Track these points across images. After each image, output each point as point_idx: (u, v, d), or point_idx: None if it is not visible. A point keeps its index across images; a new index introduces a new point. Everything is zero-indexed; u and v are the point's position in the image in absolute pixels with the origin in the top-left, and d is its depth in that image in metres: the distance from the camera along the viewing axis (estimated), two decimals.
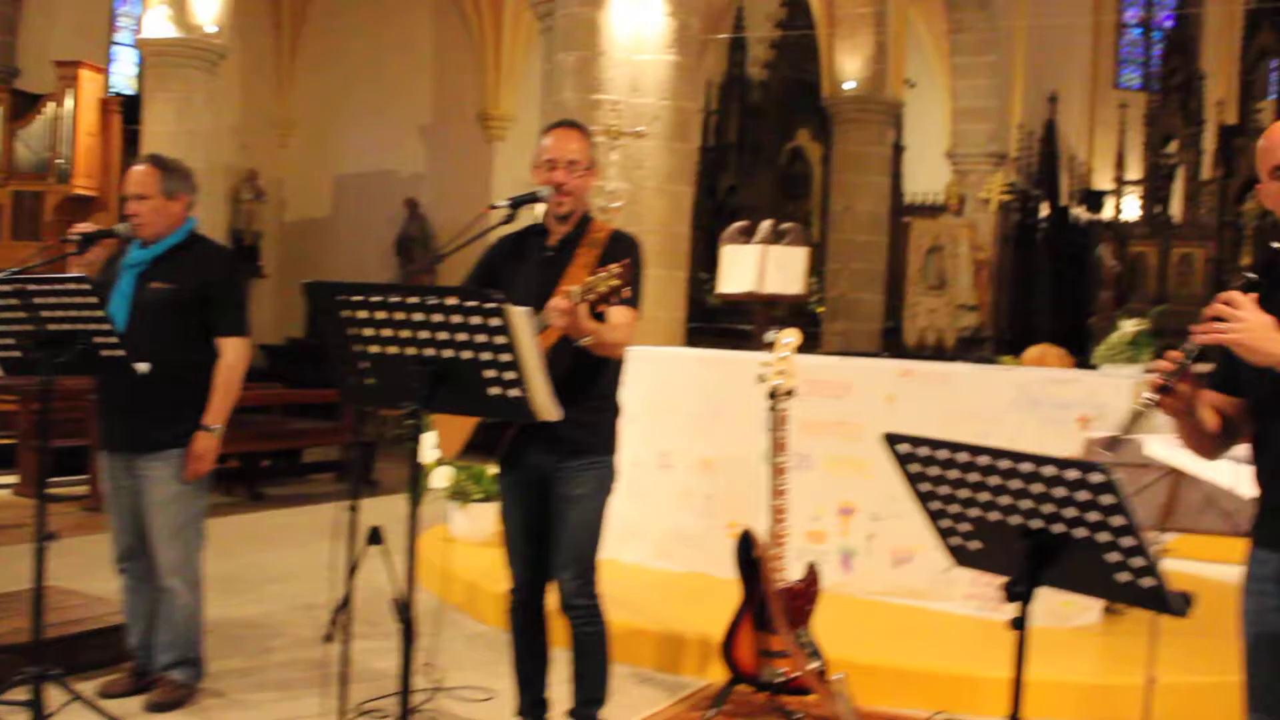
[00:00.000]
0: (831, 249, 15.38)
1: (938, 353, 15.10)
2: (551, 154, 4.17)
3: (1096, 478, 2.41)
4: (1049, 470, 2.48)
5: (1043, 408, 5.89)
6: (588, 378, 4.13)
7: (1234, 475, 3.64)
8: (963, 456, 2.64)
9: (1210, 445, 2.95)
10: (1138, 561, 2.49)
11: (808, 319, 16.82)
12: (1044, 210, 18.13)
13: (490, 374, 3.26)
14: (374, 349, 3.34)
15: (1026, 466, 2.53)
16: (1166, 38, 18.12)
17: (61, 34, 14.76)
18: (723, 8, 18.47)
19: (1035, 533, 2.60)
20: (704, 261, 15.05)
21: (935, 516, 2.83)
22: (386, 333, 3.30)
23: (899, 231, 16.08)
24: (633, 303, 4.10)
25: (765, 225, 10.35)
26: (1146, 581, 2.51)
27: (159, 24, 12.58)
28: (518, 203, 4.11)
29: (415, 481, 3.41)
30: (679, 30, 10.36)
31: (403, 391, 3.31)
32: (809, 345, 14.71)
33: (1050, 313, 17.45)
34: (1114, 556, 2.51)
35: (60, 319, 4.13)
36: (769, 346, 5.13)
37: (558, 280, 4.11)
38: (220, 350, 4.69)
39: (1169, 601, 2.51)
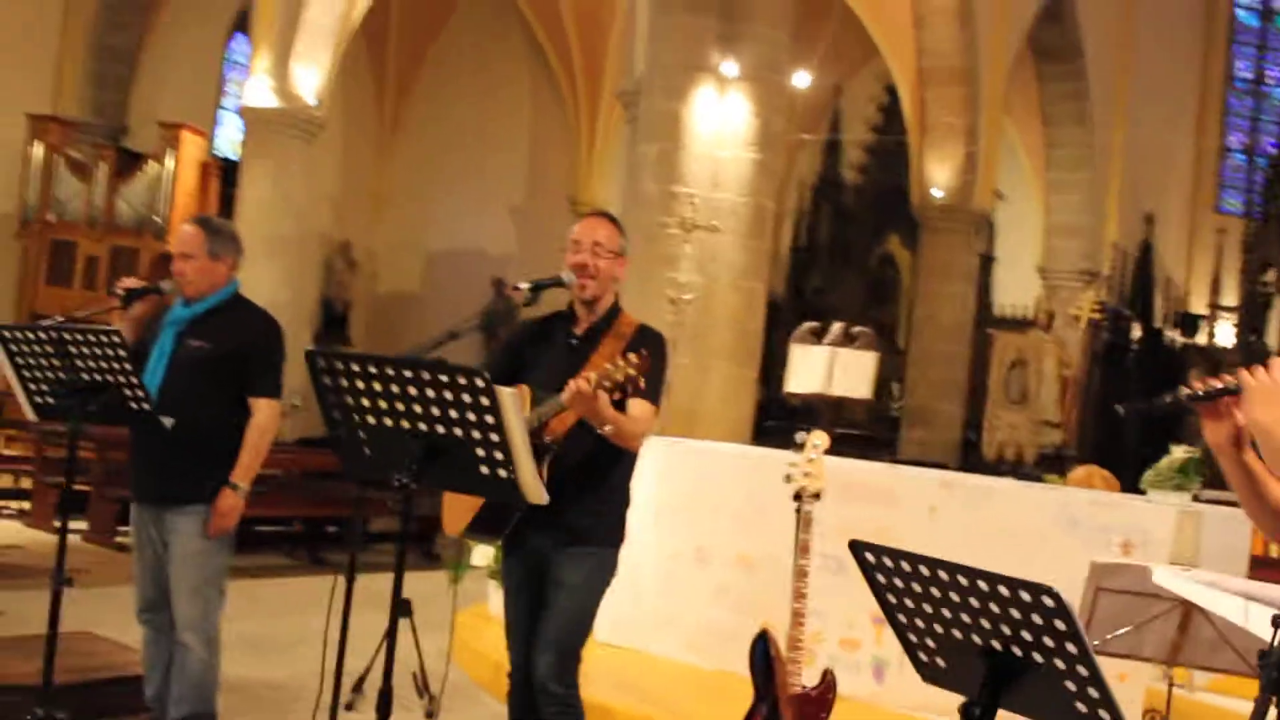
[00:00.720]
0: (912, 357, 15.30)
1: (1015, 468, 14.88)
2: (577, 236, 4.22)
3: (1049, 601, 2.36)
4: (1003, 590, 2.43)
5: (1083, 529, 5.77)
6: (601, 466, 4.13)
7: (1244, 612, 3.54)
8: (924, 570, 2.60)
9: (1263, 512, 2.80)
10: (1093, 692, 2.42)
11: (888, 425, 16.72)
12: (1136, 331, 17.88)
13: (481, 452, 3.28)
14: (371, 420, 3.39)
15: (983, 584, 2.48)
16: (1271, 165, 17.89)
17: (171, 97, 15.27)
18: (820, 109, 18.65)
19: (995, 653, 2.55)
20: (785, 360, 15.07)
21: (902, 630, 2.78)
22: (383, 404, 3.34)
23: (983, 343, 15.96)
24: (652, 398, 4.11)
25: (837, 327, 10.36)
26: (1104, 714, 2.44)
27: (261, 93, 12.97)
28: (539, 286, 4.15)
29: (401, 554, 3.42)
30: (762, 129, 10.48)
31: (397, 464, 3.34)
32: (889, 452, 14.66)
33: (1138, 436, 17.15)
34: (1070, 685, 2.45)
35: (92, 369, 4.24)
36: (798, 447, 5.09)
37: (581, 367, 4.14)
38: (252, 410, 4.77)
39: None
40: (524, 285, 4.15)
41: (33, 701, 4.32)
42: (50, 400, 4.37)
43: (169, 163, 13.31)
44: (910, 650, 2.80)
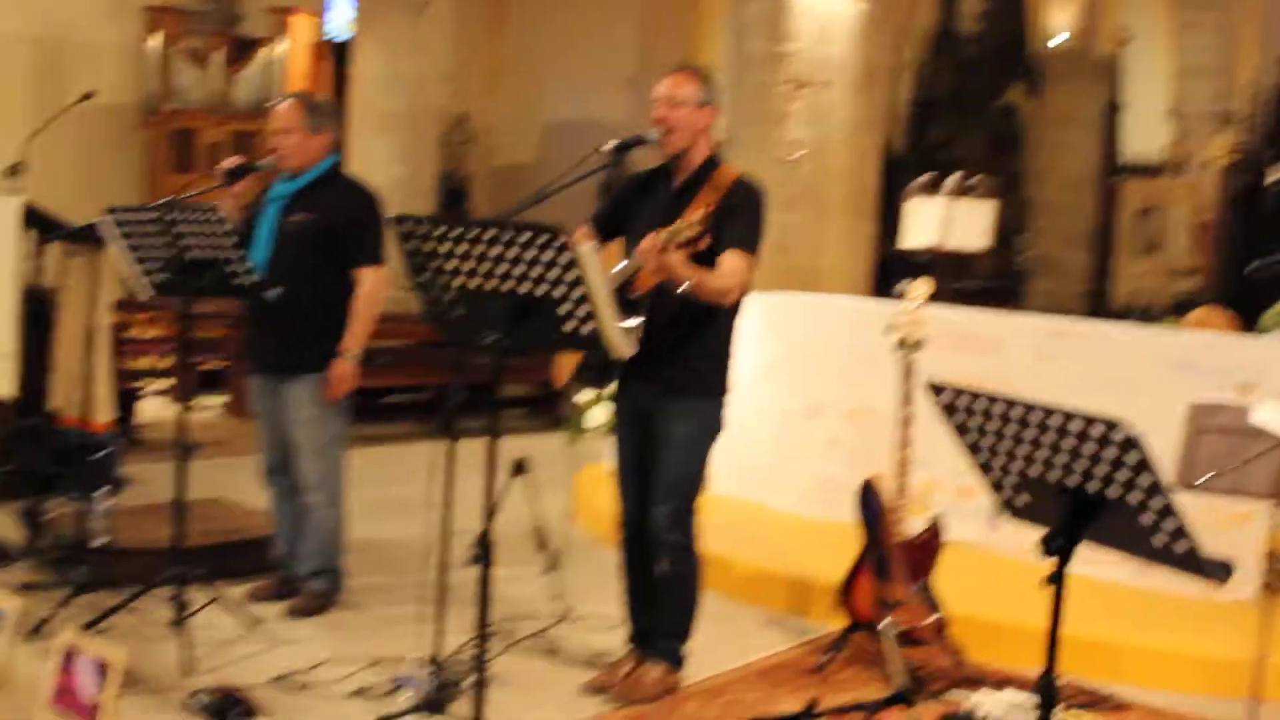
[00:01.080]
0: (1037, 207, 14.96)
1: (1144, 317, 14.55)
2: (657, 94, 4.24)
3: (1119, 435, 2.37)
4: (1075, 425, 2.45)
5: (1199, 372, 5.66)
6: (698, 320, 4.17)
7: None
8: (999, 408, 2.62)
9: None
10: (1170, 524, 2.43)
11: (1015, 278, 16.42)
12: (1275, 173, 17.20)
13: (565, 308, 3.35)
14: (459, 282, 3.46)
15: (1056, 420, 2.50)
16: None
17: None
18: None
19: (1073, 489, 2.56)
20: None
21: (983, 468, 2.81)
22: (469, 266, 3.42)
23: (1109, 191, 15.51)
24: (747, 248, 4.13)
25: (953, 178, 10.17)
26: (1181, 546, 2.45)
27: None
28: (623, 146, 4.18)
29: (495, 415, 3.52)
30: None
31: (486, 325, 3.42)
32: (1014, 305, 14.43)
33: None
34: (1147, 518, 2.46)
35: (198, 246, 4.39)
36: (899, 297, 5.08)
37: (670, 220, 4.17)
38: (358, 280, 4.90)
39: (1205, 568, 2.45)
40: (607, 146, 4.19)
41: (167, 563, 4.55)
42: (162, 278, 4.54)
43: (281, 46, 13.44)
44: (993, 488, 2.83)
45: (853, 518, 4.97)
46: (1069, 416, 2.44)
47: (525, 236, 3.29)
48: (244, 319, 5.11)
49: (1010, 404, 2.57)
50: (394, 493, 7.14)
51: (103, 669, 4.05)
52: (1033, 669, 4.73)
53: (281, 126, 4.94)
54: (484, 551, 3.59)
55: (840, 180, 10.31)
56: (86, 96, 5.80)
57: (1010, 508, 2.82)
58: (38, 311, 5.39)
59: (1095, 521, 2.55)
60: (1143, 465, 2.36)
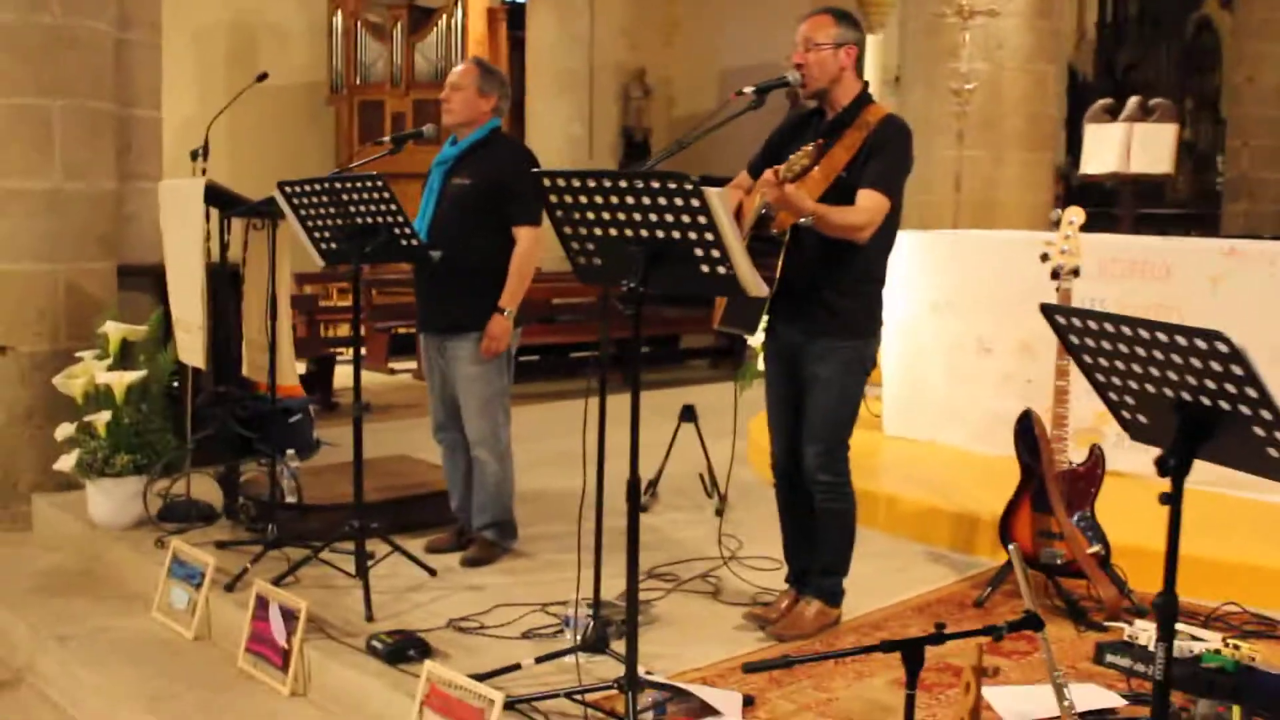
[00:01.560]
0: (1232, 126, 14.36)
1: None
2: (796, 38, 4.28)
3: (1222, 347, 2.36)
4: (1181, 339, 2.44)
5: None
6: (839, 258, 4.20)
7: None
8: (1109, 326, 2.62)
9: None
10: None
11: (1214, 200, 15.83)
12: None
13: (699, 253, 3.44)
14: (598, 231, 3.59)
15: (1161, 336, 2.49)
16: None
17: None
18: None
19: (1186, 405, 2.56)
20: None
21: (1103, 389, 2.81)
22: (606, 216, 3.53)
23: None
24: (883, 188, 4.15)
25: (1132, 101, 9.87)
26: None
27: None
28: (763, 89, 4.21)
29: (636, 360, 3.63)
30: None
31: (625, 270, 3.54)
32: (1211, 228, 13.90)
33: None
34: (1259, 430, 2.44)
35: (364, 213, 4.61)
36: (1054, 225, 5.01)
37: (820, 159, 4.23)
38: (516, 239, 5.07)
39: None
40: (748, 90, 4.23)
41: (349, 516, 4.81)
42: (333, 245, 4.78)
43: (458, 14, 13.79)
44: (1113, 409, 2.83)
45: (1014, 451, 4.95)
46: (1174, 331, 2.44)
47: (655, 185, 3.38)
48: (413, 281, 5.33)
49: (1119, 322, 2.57)
50: (567, 445, 7.33)
51: (291, 617, 4.35)
52: (1202, 599, 4.72)
53: (456, 83, 5.15)
54: (633, 495, 3.68)
55: (1016, 111, 10.11)
56: (261, 77, 6.10)
57: (1133, 429, 2.81)
58: (228, 285, 5.72)
59: (1209, 438, 2.54)
60: (1249, 377, 2.34)
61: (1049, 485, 4.77)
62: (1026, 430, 4.88)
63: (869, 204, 4.12)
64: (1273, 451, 2.45)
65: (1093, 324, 2.65)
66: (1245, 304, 5.72)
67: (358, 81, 13.99)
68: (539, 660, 4.05)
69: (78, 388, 5.68)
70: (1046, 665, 3.25)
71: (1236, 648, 3.99)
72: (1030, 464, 4.88)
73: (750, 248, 4.25)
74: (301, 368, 9.21)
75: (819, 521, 4.43)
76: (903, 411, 7.13)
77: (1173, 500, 2.61)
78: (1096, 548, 4.73)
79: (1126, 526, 5.01)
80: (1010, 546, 3.11)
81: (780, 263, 4.19)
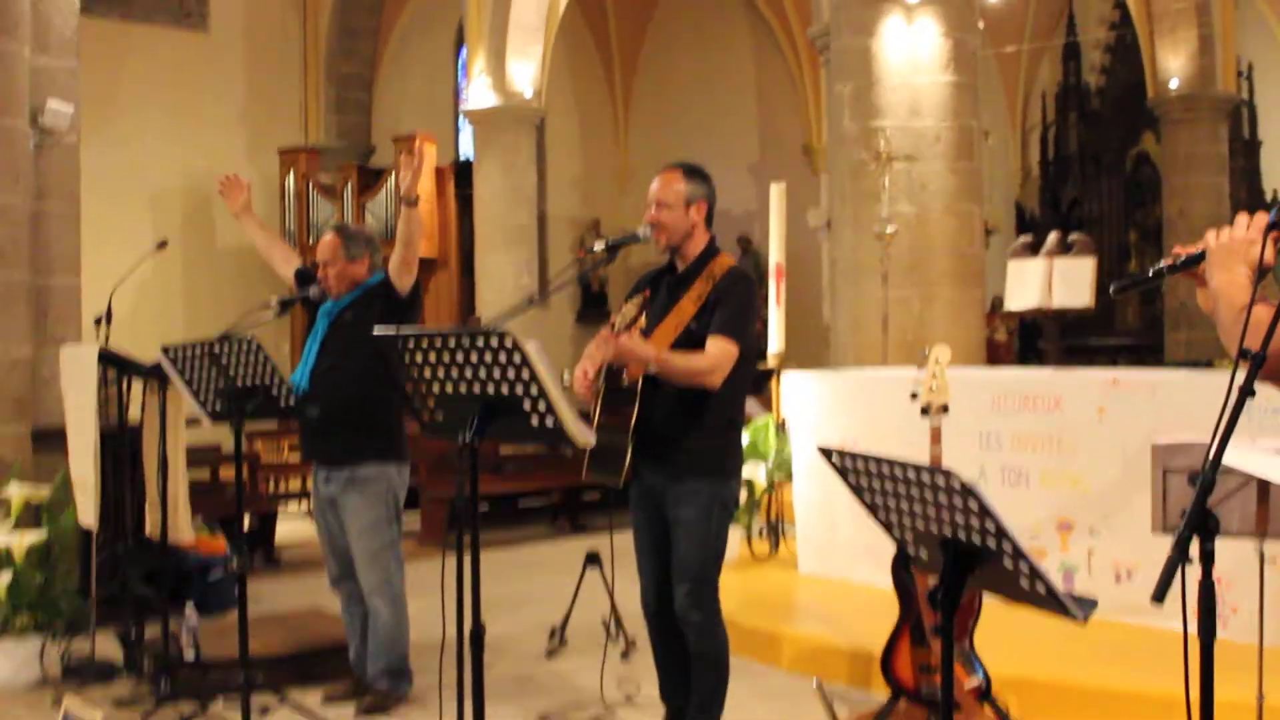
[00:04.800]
0: (1168, 255, 14.62)
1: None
2: (650, 196, 4.47)
3: (956, 484, 2.46)
4: (926, 477, 2.55)
5: (1259, 413, 5.57)
6: (694, 404, 4.34)
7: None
8: (873, 466, 2.73)
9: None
10: (1024, 566, 2.51)
11: (1159, 328, 16.04)
12: None
13: (527, 405, 3.56)
14: (435, 388, 3.72)
15: (911, 474, 2.60)
16: None
17: (410, 111, 16.15)
18: (1054, 14, 18.02)
19: (948, 540, 2.65)
20: None
21: (887, 528, 2.91)
22: (441, 373, 3.67)
23: None
24: (730, 334, 4.29)
25: (1052, 237, 10.12)
26: (1040, 588, 2.53)
27: (482, 94, 13.60)
28: (614, 245, 4.40)
29: (456, 513, 3.72)
30: (954, 49, 10.29)
31: (463, 424, 3.66)
32: (1155, 358, 14.05)
33: None
34: (1008, 563, 2.54)
35: (244, 375, 4.74)
36: (922, 363, 5.15)
37: (668, 311, 4.40)
38: None
39: (1068, 607, 2.52)
40: (598, 246, 4.42)
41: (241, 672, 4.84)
42: (217, 406, 4.90)
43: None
44: (899, 545, 2.92)
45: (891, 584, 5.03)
46: (917, 469, 2.55)
47: (480, 342, 3.52)
48: (300, 432, 5.45)
49: (879, 462, 2.68)
50: (494, 591, 7.38)
51: None
52: None
53: (324, 258, 5.31)
54: (476, 644, 3.74)
55: (943, 251, 10.33)
56: (161, 245, 6.29)
57: (919, 563, 2.90)
58: (131, 446, 5.83)
59: (974, 570, 2.63)
60: (984, 510, 2.45)
61: (926, 619, 4.84)
62: (904, 563, 4.96)
63: (715, 350, 4.27)
64: (1024, 583, 2.54)
65: (861, 464, 2.76)
66: (1130, 430, 5.84)
67: (310, 240, 14.28)
68: None
69: None
70: None
71: None
72: (908, 597, 4.95)
73: (608, 398, 4.40)
74: (247, 522, 9.29)
75: (692, 663, 4.48)
76: (815, 551, 7.20)
77: (944, 631, 2.69)
78: (976, 680, 4.77)
79: (1009, 656, 5.08)
80: (815, 681, 3.18)
81: (635, 411, 4.30)
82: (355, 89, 15.84)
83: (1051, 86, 18.28)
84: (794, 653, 5.92)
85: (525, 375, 3.50)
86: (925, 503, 2.63)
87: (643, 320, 4.18)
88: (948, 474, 2.45)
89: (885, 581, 6.70)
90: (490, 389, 3.58)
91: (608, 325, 4.16)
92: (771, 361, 9.30)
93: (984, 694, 4.77)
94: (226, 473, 10.30)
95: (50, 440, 6.60)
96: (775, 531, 7.98)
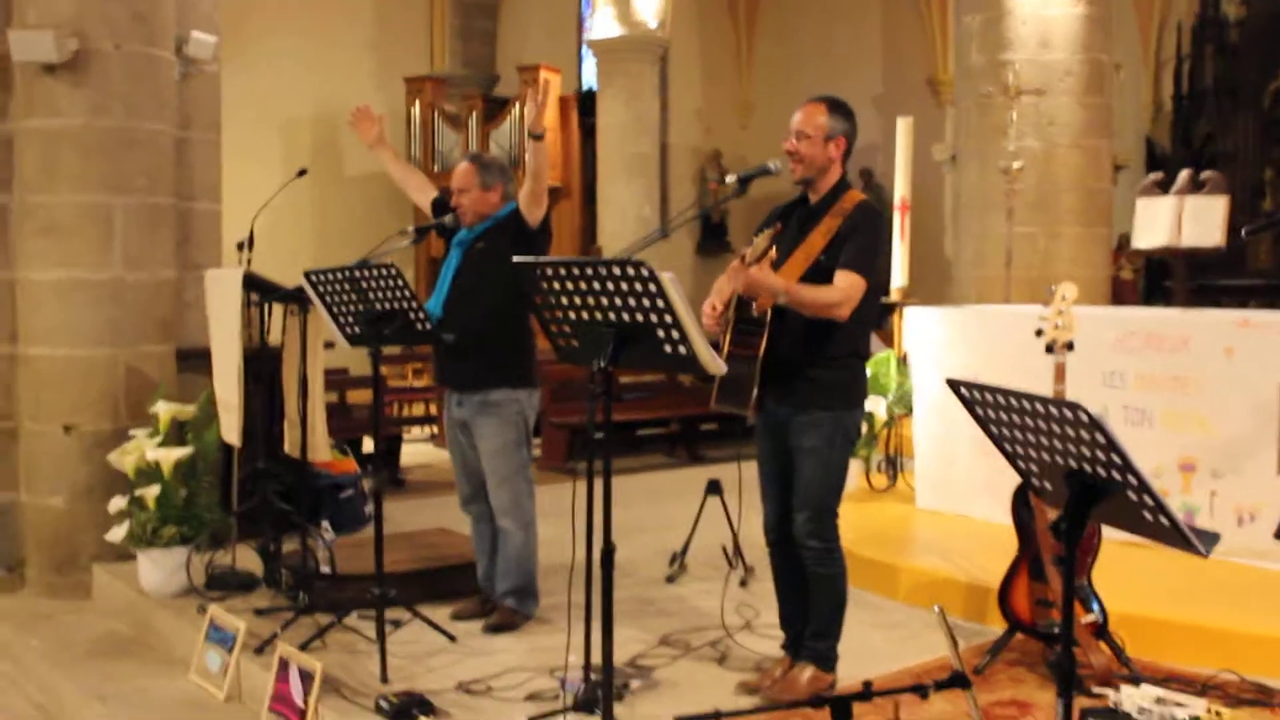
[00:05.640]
0: None
1: None
2: (792, 125, 4.51)
3: (1083, 416, 2.52)
4: (1051, 409, 2.61)
5: None
6: (820, 336, 4.40)
7: None
8: (1002, 399, 2.79)
9: None
10: (1148, 499, 2.56)
11: None
12: None
13: (661, 334, 3.68)
14: (572, 315, 3.84)
15: (1040, 408, 2.66)
16: None
17: (535, 40, 16.25)
18: None
19: (1074, 472, 2.71)
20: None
21: (1013, 459, 2.97)
22: (578, 300, 3.79)
23: None
24: (857, 269, 4.35)
25: (1183, 175, 9.90)
26: (1164, 520, 2.58)
27: (606, 24, 13.65)
28: (746, 178, 4.46)
29: (587, 437, 3.84)
30: None
31: (598, 351, 3.78)
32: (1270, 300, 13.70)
33: None
34: (1132, 495, 2.59)
35: (382, 299, 4.90)
36: (1048, 300, 5.15)
37: (798, 244, 4.46)
38: None
39: (1191, 540, 2.57)
40: (730, 178, 4.48)
41: (375, 585, 5.06)
42: (356, 330, 5.08)
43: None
44: (1024, 477, 2.99)
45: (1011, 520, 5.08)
46: (1045, 402, 2.60)
47: (618, 271, 3.63)
48: (433, 357, 5.61)
49: (1007, 394, 2.74)
50: (621, 517, 7.55)
51: (308, 678, 4.60)
52: (1200, 666, 4.79)
53: (459, 186, 5.44)
54: (606, 562, 3.88)
55: (1070, 187, 10.21)
56: (301, 173, 6.50)
57: (1043, 495, 2.97)
58: (271, 367, 6.07)
59: (1098, 503, 2.69)
60: (1111, 444, 2.50)
61: (1044, 554, 4.88)
62: (1023, 499, 5.01)
63: (844, 283, 4.32)
64: (1148, 515, 2.60)
65: (990, 397, 2.82)
66: (1259, 372, 5.79)
67: (435, 169, 14.51)
68: None
69: (129, 464, 6.04)
70: None
71: (1218, 714, 4.07)
72: (1027, 532, 5.00)
73: (737, 329, 4.49)
74: (370, 445, 9.58)
75: (811, 588, 4.58)
76: (934, 485, 7.24)
77: (1066, 562, 2.76)
78: (1093, 616, 4.81)
79: (1126, 594, 5.11)
80: (936, 608, 3.25)
81: (763, 342, 4.38)
82: (480, 18, 15.98)
83: (1188, 18, 17.72)
84: (911, 585, 5.99)
85: (660, 304, 3.60)
86: (1052, 435, 2.70)
87: (774, 253, 4.25)
88: (1076, 407, 2.51)
89: (1002, 517, 6.77)
90: (626, 317, 3.70)
91: (738, 257, 4.22)
92: (894, 296, 9.31)
93: (1100, 630, 4.82)
94: (354, 396, 10.63)
95: (192, 360, 6.86)
96: (894, 465, 8.04)
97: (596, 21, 13.79)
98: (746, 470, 4.85)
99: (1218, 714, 4.07)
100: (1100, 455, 2.57)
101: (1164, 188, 9.92)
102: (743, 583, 6.22)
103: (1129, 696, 4.25)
